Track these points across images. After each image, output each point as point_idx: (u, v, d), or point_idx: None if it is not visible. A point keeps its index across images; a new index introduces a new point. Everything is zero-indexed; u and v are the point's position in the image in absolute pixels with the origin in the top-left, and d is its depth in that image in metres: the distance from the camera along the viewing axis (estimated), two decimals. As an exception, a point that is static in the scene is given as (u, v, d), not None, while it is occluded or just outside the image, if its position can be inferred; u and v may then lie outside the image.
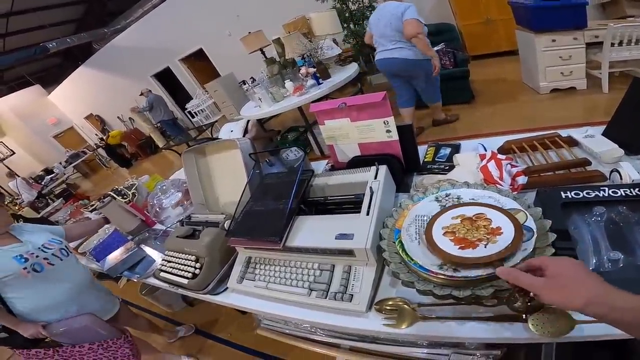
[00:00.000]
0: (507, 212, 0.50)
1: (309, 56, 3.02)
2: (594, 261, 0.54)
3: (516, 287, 0.39)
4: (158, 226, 1.47)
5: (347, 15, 4.38)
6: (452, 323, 0.50)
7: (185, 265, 0.97)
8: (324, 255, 0.70)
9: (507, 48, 4.39)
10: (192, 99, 7.04)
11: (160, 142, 7.22)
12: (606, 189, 0.59)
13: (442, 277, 0.46)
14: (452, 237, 0.49)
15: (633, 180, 0.61)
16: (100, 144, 8.17)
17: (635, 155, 0.69)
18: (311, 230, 0.74)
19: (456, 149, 0.99)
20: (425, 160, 0.97)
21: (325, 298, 0.64)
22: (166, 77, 7.67)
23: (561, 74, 2.96)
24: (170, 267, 1.02)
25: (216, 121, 5.76)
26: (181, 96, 7.69)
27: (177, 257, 1.02)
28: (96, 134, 9.21)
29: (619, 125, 0.75)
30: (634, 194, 0.57)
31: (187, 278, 0.94)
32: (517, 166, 0.72)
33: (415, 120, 3.08)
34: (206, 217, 1.13)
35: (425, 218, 0.59)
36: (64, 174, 7.54)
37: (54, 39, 6.54)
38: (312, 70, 2.82)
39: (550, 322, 0.41)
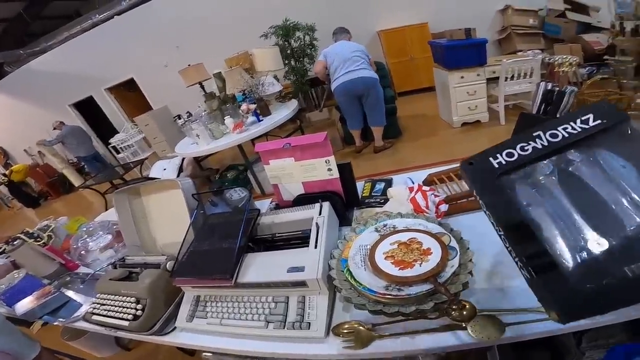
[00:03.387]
0: (434, 235, 0.61)
1: (249, 92, 3.08)
2: (575, 249, 0.42)
3: (451, 297, 0.46)
4: (83, 269, 1.40)
5: (288, 52, 4.60)
6: (406, 338, 0.56)
7: (123, 307, 0.94)
8: (277, 288, 0.73)
9: (427, 85, 5.07)
10: (118, 132, 6.48)
11: (75, 180, 6.40)
12: (540, 133, 0.48)
13: (389, 296, 0.53)
14: (392, 260, 0.57)
15: None
16: (2, 180, 6.91)
17: None
18: (262, 266, 0.77)
19: (389, 183, 1.12)
20: (364, 195, 1.09)
21: (284, 328, 0.67)
22: (88, 108, 6.98)
23: (469, 109, 3.47)
24: (105, 310, 0.97)
25: (146, 158, 5.36)
26: (105, 129, 7.02)
27: (112, 300, 0.98)
28: (-4, 169, 7.83)
29: None
30: (578, 129, 0.47)
31: (127, 320, 0.90)
32: (439, 196, 0.86)
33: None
34: (144, 259, 1.09)
35: (367, 247, 0.67)
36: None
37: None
38: (252, 106, 2.87)
39: (485, 327, 0.50)
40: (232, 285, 0.75)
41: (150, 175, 2.90)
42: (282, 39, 4.59)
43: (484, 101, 3.40)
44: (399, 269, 0.55)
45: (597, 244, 0.41)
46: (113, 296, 0.98)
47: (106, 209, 4.69)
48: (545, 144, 0.47)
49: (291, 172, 0.95)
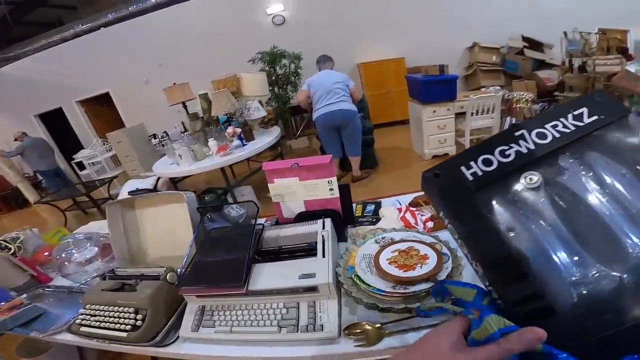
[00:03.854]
0: (428, 244, 0.72)
1: (233, 115, 3.16)
2: (575, 287, 0.33)
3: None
4: (59, 282, 1.36)
5: (273, 78, 4.78)
6: (412, 333, 0.64)
7: (120, 318, 0.93)
8: (287, 295, 0.79)
9: (400, 118, 5.41)
10: (83, 148, 6.20)
11: (30, 196, 5.95)
12: (525, 133, 0.39)
13: (397, 294, 0.62)
14: (396, 265, 0.68)
15: None
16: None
17: None
18: (272, 274, 0.84)
19: (378, 205, 1.25)
20: (356, 215, 1.20)
21: (297, 332, 0.73)
22: (54, 120, 6.65)
23: (439, 142, 3.73)
24: (96, 321, 0.96)
25: (116, 177, 5.16)
26: (69, 144, 6.69)
27: (105, 311, 0.97)
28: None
29: None
30: (571, 127, 0.38)
31: (125, 331, 0.90)
32: (424, 215, 1.00)
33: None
34: (139, 271, 1.09)
35: (371, 255, 0.77)
36: None
37: None
38: (238, 130, 2.95)
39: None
40: (244, 292, 0.80)
41: (121, 194, 2.83)
42: (268, 65, 4.77)
43: (452, 135, 3.69)
44: (403, 271, 0.65)
45: (602, 279, 0.32)
46: (106, 307, 0.97)
47: (65, 226, 4.40)
48: (532, 147, 0.38)
49: (295, 190, 1.04)
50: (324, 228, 0.92)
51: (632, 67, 2.80)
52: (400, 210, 1.06)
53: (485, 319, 0.31)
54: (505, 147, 0.39)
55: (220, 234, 1.05)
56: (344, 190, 1.05)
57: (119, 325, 0.91)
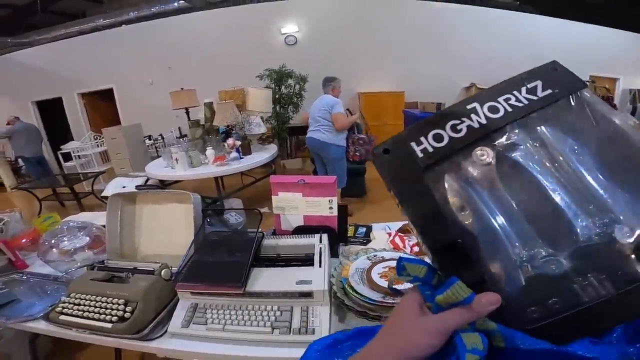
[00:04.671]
0: (416, 265, 0.81)
1: (233, 127, 3.25)
2: (521, 267, 0.33)
3: None
4: (37, 269, 1.33)
5: (276, 97, 4.89)
6: None
7: (107, 309, 0.93)
8: (282, 298, 0.85)
9: None
10: (72, 140, 6.13)
11: (7, 180, 5.76)
12: (477, 106, 0.38)
13: (386, 304, 0.70)
14: (386, 279, 0.76)
15: None
16: None
17: None
18: (269, 278, 0.89)
19: (369, 228, 1.34)
20: (349, 235, 1.28)
21: (290, 334, 0.78)
22: (49, 108, 6.59)
23: None
24: (79, 310, 0.94)
25: (103, 172, 5.10)
26: (60, 134, 6.60)
27: (91, 300, 0.96)
28: None
29: None
30: (524, 101, 0.38)
31: (110, 322, 0.89)
32: (412, 240, 1.09)
33: None
34: (132, 264, 1.11)
35: (363, 269, 0.85)
36: None
37: None
38: (238, 143, 3.03)
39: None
40: (242, 292, 0.85)
41: (106, 191, 2.81)
42: (275, 83, 4.91)
43: None
44: (393, 284, 0.73)
45: (551, 262, 0.32)
46: (93, 297, 0.96)
47: (39, 216, 4.26)
48: (483, 121, 0.37)
49: (297, 205, 1.12)
50: (321, 241, 1.00)
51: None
52: (390, 234, 1.16)
53: (454, 285, 0.31)
54: (457, 122, 0.37)
55: (219, 237, 1.11)
56: (341, 210, 1.13)
57: (104, 316, 0.91)
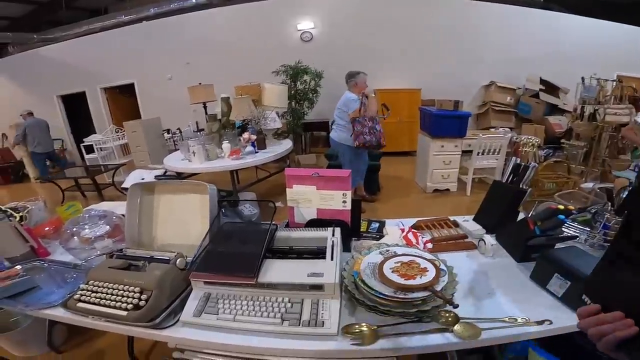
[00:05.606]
0: (429, 260, 0.80)
1: (249, 122, 3.27)
2: None
3: (448, 299, 0.61)
4: (58, 257, 1.34)
5: (292, 92, 4.89)
6: (405, 337, 0.70)
7: (123, 296, 0.94)
8: (293, 290, 0.85)
9: (407, 149, 5.46)
10: (95, 133, 6.34)
11: (33, 172, 6.04)
12: None
13: (397, 299, 0.69)
14: (398, 274, 0.75)
15: (492, 245, 0.96)
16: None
17: (492, 232, 1.13)
18: (281, 270, 0.90)
19: (382, 223, 1.32)
20: (362, 230, 1.27)
21: (299, 326, 0.78)
22: (74, 102, 6.84)
23: (442, 177, 3.72)
24: (96, 298, 0.95)
25: (124, 164, 5.26)
26: (83, 127, 6.84)
27: (109, 288, 0.97)
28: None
29: (483, 214, 1.20)
30: None
31: (125, 310, 0.90)
32: (425, 237, 1.07)
33: None
34: (149, 253, 1.12)
35: (375, 263, 0.84)
36: None
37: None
38: (254, 137, 3.05)
39: (467, 330, 0.67)
40: (254, 283, 0.86)
41: (126, 182, 2.89)
42: (290, 79, 4.92)
43: (456, 172, 3.73)
44: (404, 279, 0.72)
45: None
46: (111, 284, 0.97)
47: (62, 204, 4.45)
48: None
49: (310, 198, 1.12)
50: (334, 235, 1.00)
51: (640, 118, 2.82)
52: (402, 230, 1.14)
53: None
54: None
55: (234, 228, 1.11)
56: (355, 204, 1.13)
57: (120, 304, 0.92)
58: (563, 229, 1.07)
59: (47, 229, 1.50)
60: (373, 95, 3.15)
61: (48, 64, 6.53)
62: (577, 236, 1.08)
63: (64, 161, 6.50)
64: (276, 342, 0.79)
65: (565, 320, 0.75)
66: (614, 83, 4.04)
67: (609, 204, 1.17)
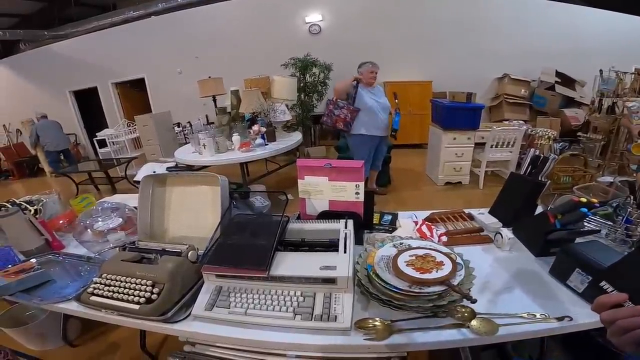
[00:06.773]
0: (444, 253, 0.77)
1: (259, 114, 3.26)
2: None
3: (465, 293, 0.59)
4: (72, 250, 1.34)
5: (301, 85, 4.87)
6: (419, 333, 0.69)
7: (136, 290, 0.93)
8: (305, 284, 0.83)
9: (418, 141, 5.38)
10: (107, 128, 6.44)
11: (47, 166, 6.20)
12: None
13: (412, 294, 0.67)
14: (413, 267, 0.73)
15: (509, 239, 0.94)
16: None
17: (508, 226, 1.09)
18: (293, 263, 0.88)
19: (395, 216, 1.30)
20: (374, 222, 1.25)
21: (311, 320, 0.76)
22: (86, 97, 6.94)
23: (454, 169, 3.67)
24: (109, 291, 0.95)
25: (136, 157, 5.33)
26: (95, 122, 6.96)
27: (121, 281, 0.97)
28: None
29: (499, 207, 1.17)
30: None
31: (138, 303, 0.90)
32: (439, 229, 1.05)
33: None
34: (161, 246, 1.12)
35: (389, 257, 0.82)
36: None
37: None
38: (263, 129, 3.05)
39: (484, 326, 0.65)
40: (265, 276, 0.85)
41: (138, 175, 2.92)
42: (299, 72, 4.89)
43: (468, 164, 3.68)
44: (420, 273, 0.70)
45: None
46: (123, 277, 0.97)
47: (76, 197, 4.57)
48: None
49: (322, 189, 1.10)
50: (346, 227, 0.98)
51: (633, 104, 2.70)
52: (416, 223, 1.12)
53: None
54: None
55: (245, 220, 1.10)
56: (369, 196, 1.11)
57: (132, 297, 0.91)
58: (584, 223, 1.04)
59: (61, 222, 1.51)
60: (351, 80, 3.10)
61: (59, 60, 6.63)
62: (599, 230, 1.04)
63: (75, 160, 6.64)
64: (288, 336, 0.77)
65: (586, 316, 0.72)
66: (632, 76, 3.99)
67: (631, 197, 1.13)
